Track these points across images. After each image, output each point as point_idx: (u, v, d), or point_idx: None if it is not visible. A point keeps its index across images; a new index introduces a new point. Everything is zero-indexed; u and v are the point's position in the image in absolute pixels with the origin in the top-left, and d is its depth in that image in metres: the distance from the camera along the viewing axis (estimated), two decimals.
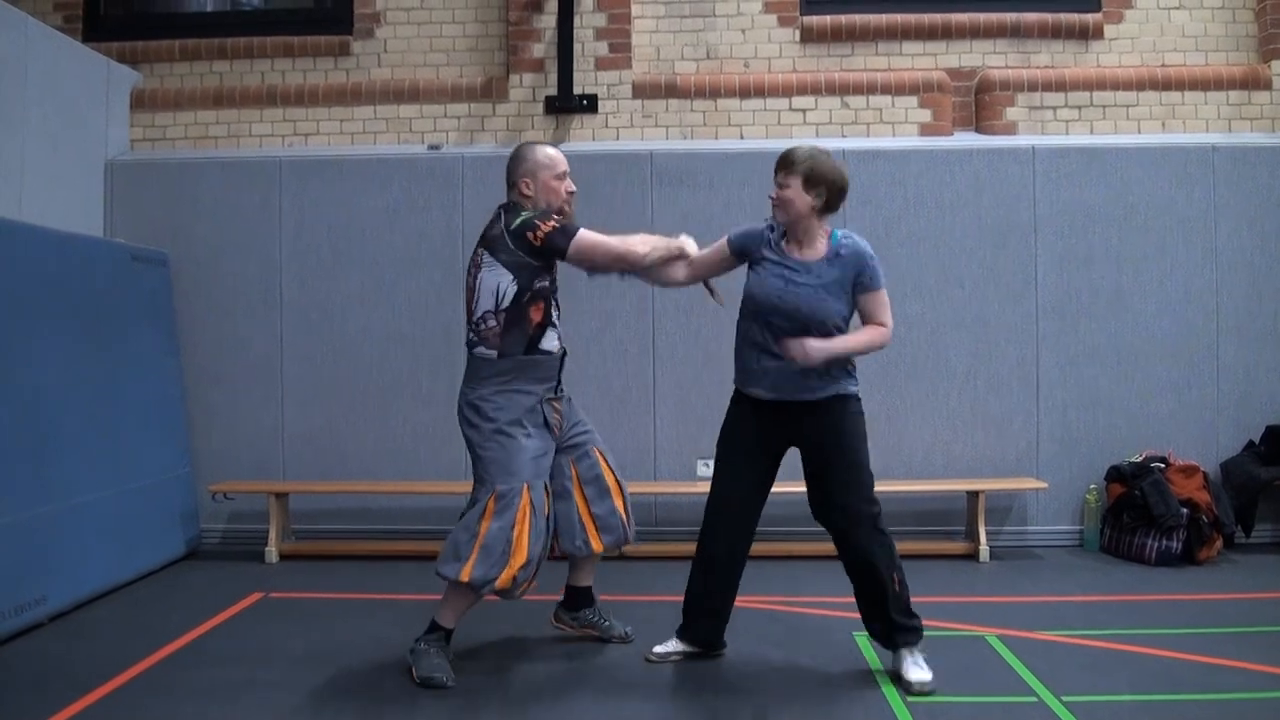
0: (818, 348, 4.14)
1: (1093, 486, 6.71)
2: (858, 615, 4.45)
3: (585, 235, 4.30)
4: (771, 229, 4.41)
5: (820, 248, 4.30)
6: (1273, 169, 6.86)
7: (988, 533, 6.53)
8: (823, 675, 4.38)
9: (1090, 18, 7.21)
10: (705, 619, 4.57)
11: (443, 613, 4.41)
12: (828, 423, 4.31)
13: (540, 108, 7.19)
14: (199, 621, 5.21)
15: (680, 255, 4.50)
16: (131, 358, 6.35)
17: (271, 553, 6.58)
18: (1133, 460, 6.59)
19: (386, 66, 7.38)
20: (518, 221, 4.31)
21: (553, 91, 7.13)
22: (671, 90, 7.18)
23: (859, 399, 4.38)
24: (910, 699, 4.05)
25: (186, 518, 6.72)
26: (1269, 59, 7.07)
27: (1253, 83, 7.08)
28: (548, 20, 7.13)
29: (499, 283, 4.30)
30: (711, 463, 6.78)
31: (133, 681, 4.34)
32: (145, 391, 6.46)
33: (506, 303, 4.30)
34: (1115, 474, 6.62)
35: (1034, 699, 4.04)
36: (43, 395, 5.45)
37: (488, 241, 4.39)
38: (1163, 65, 7.19)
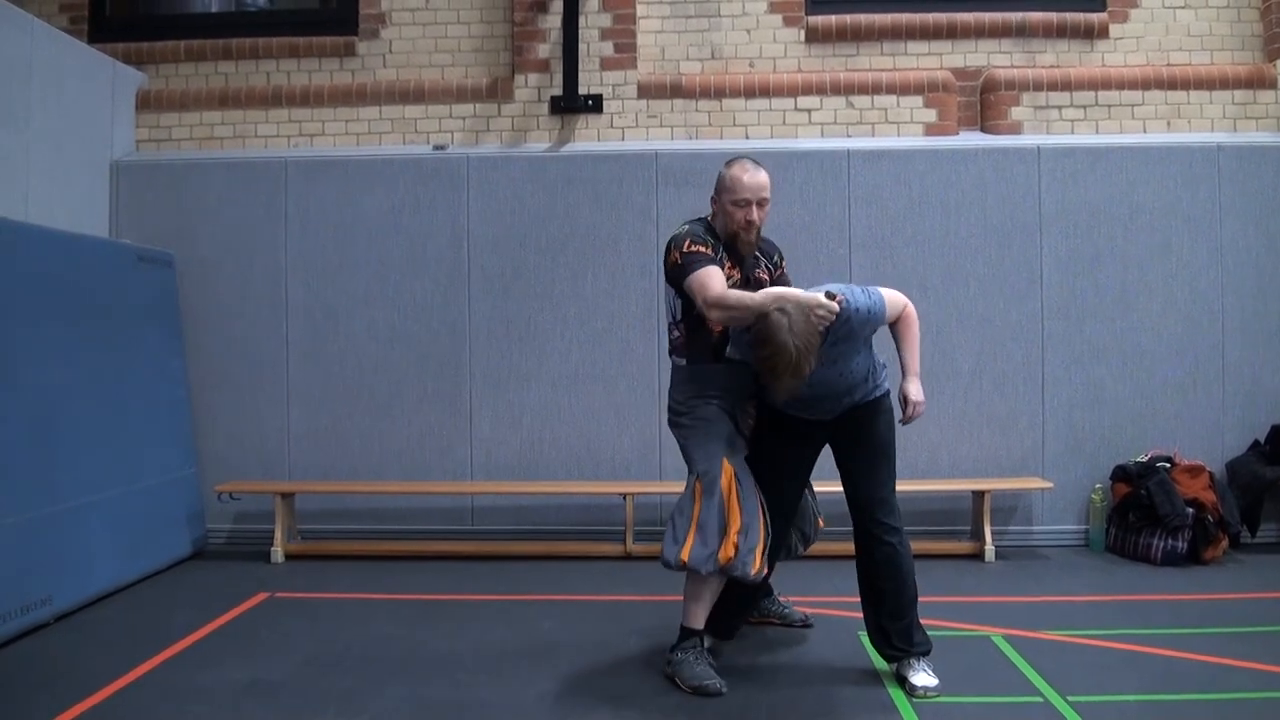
0: (918, 395, 4.30)
1: (1098, 486, 6.71)
2: (858, 614, 4.45)
3: (694, 277, 4.15)
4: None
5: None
6: (1278, 168, 6.85)
7: (993, 532, 6.52)
8: (829, 675, 4.38)
9: (1095, 17, 7.20)
10: (719, 609, 4.52)
11: (688, 614, 4.37)
12: (865, 424, 4.33)
13: (545, 108, 7.20)
14: (205, 622, 5.22)
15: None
16: (137, 358, 6.36)
17: (277, 553, 6.59)
18: (1138, 460, 6.58)
19: (391, 67, 7.39)
20: (673, 235, 4.34)
21: (558, 92, 7.13)
22: (677, 90, 7.18)
23: (889, 397, 4.40)
24: (915, 700, 4.05)
25: (192, 518, 6.73)
26: (1274, 58, 7.06)
27: (1258, 82, 7.07)
28: (553, 20, 7.13)
29: (669, 295, 4.39)
30: None
31: (138, 682, 4.34)
32: (151, 392, 6.47)
33: (679, 314, 4.35)
34: (1121, 474, 6.61)
35: (1040, 699, 4.03)
36: (48, 396, 5.46)
37: (667, 248, 4.37)
38: (1168, 64, 7.17)
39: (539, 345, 6.98)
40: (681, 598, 4.39)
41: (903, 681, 4.21)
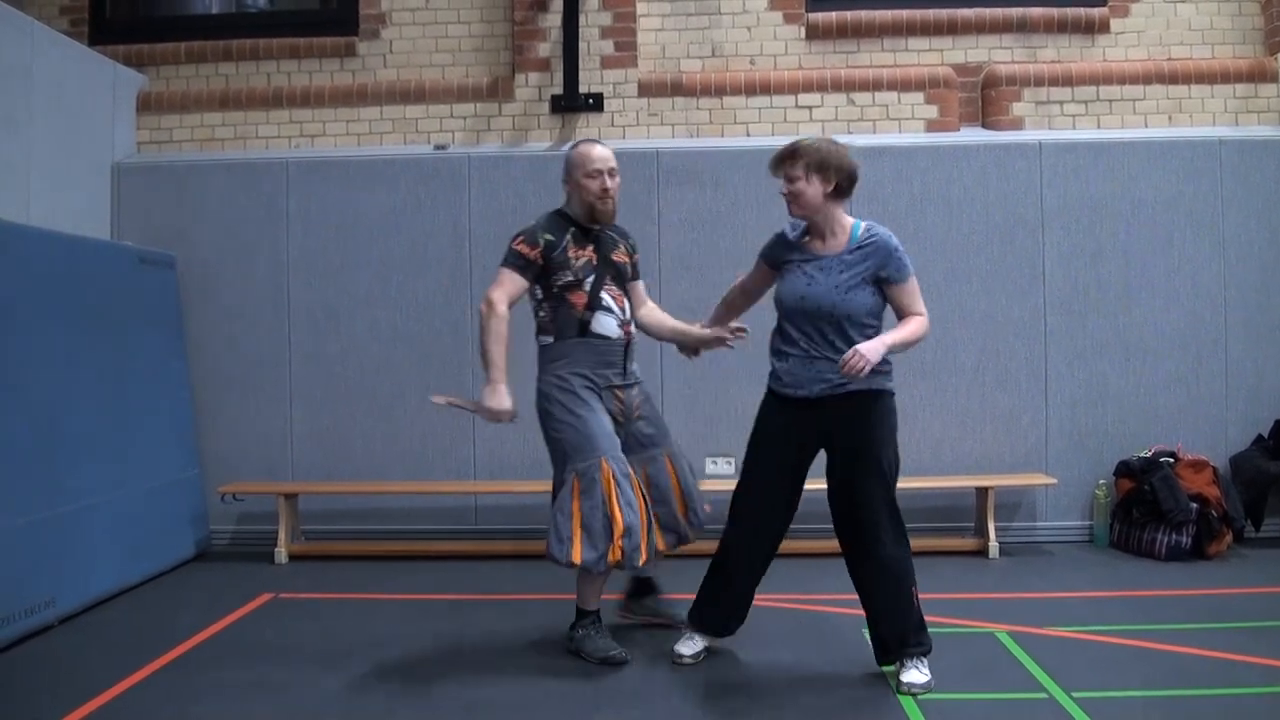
0: (867, 349, 4.00)
1: (1102, 482, 6.70)
2: (854, 610, 4.43)
3: (500, 273, 4.57)
4: (793, 228, 4.39)
5: (842, 240, 4.25)
6: None
7: (997, 529, 6.52)
8: (833, 673, 4.37)
9: (1096, 12, 7.19)
10: (710, 607, 4.57)
11: (583, 598, 4.62)
12: (857, 420, 4.22)
13: (546, 107, 7.19)
14: (209, 623, 5.22)
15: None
16: (139, 360, 6.36)
17: (281, 553, 6.60)
18: (1142, 455, 6.58)
19: (392, 67, 7.38)
20: (525, 225, 4.65)
21: (558, 91, 7.13)
22: (677, 88, 7.18)
23: (892, 394, 4.29)
24: (902, 695, 4.04)
25: (196, 519, 6.73)
26: (1275, 52, 7.05)
27: (1259, 76, 7.06)
28: (553, 20, 7.13)
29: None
30: (720, 460, 6.87)
31: (142, 683, 4.35)
32: (153, 393, 6.47)
33: (540, 294, 4.62)
34: (1124, 469, 6.61)
35: (1044, 695, 4.03)
36: (51, 398, 5.46)
37: None
38: (1169, 59, 7.17)
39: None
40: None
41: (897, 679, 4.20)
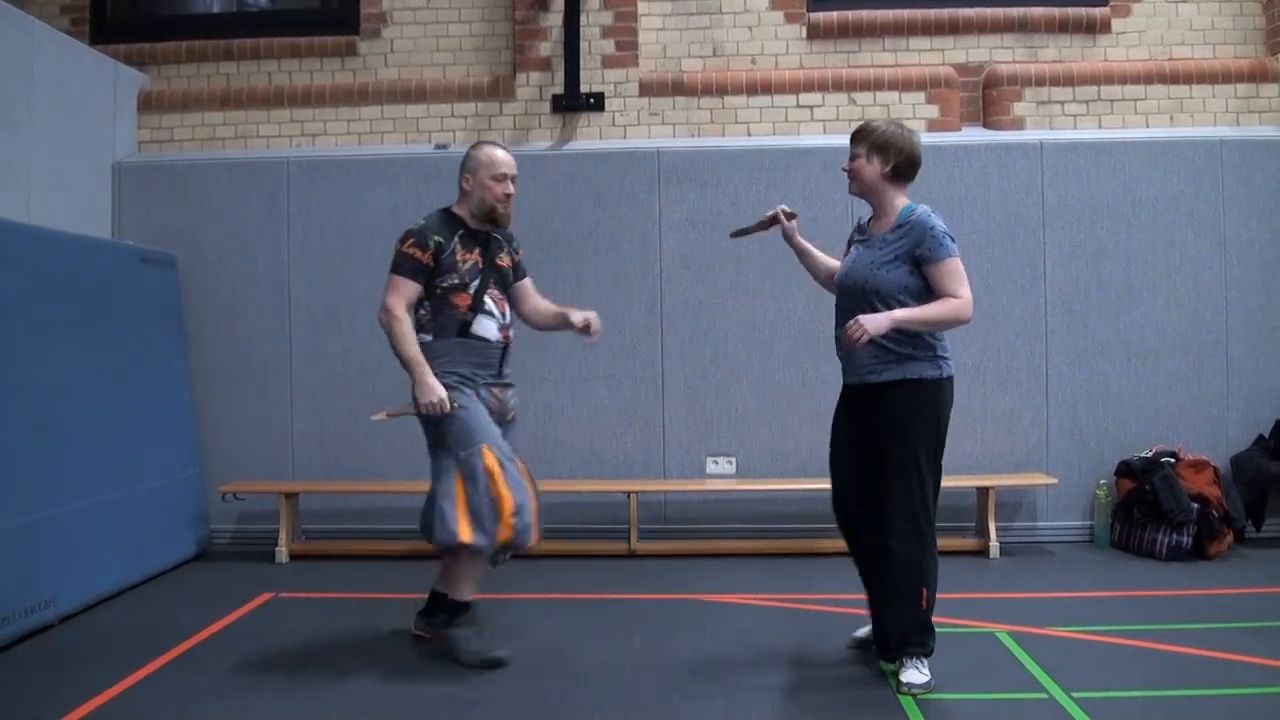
0: (869, 319, 4.00)
1: (1103, 482, 6.70)
2: (868, 613, 4.42)
3: (392, 279, 4.54)
4: (867, 215, 4.48)
5: (891, 220, 4.28)
6: None
7: (998, 528, 6.51)
8: (833, 673, 4.37)
9: (1098, 12, 7.18)
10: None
11: (457, 589, 4.63)
12: (887, 411, 4.19)
13: (547, 107, 7.19)
14: (209, 622, 5.22)
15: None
16: (140, 359, 6.36)
17: (281, 553, 6.60)
18: (1143, 455, 6.58)
19: (393, 66, 7.38)
20: (408, 227, 4.63)
21: (559, 90, 7.13)
22: (678, 88, 7.17)
23: (939, 382, 4.18)
24: (919, 697, 4.04)
25: (196, 518, 6.74)
26: (1276, 52, 7.04)
27: (1260, 76, 7.06)
28: (554, 19, 7.13)
29: None
30: (720, 460, 6.88)
31: (143, 682, 4.35)
32: (154, 393, 6.47)
33: (423, 293, 4.58)
34: (1125, 469, 6.61)
35: (1044, 695, 4.03)
36: (52, 397, 5.46)
37: None
38: (1170, 59, 7.16)
39: (542, 344, 6.94)
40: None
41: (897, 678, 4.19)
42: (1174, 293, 6.82)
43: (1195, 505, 6.23)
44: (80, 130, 6.72)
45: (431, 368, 4.51)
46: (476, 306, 4.60)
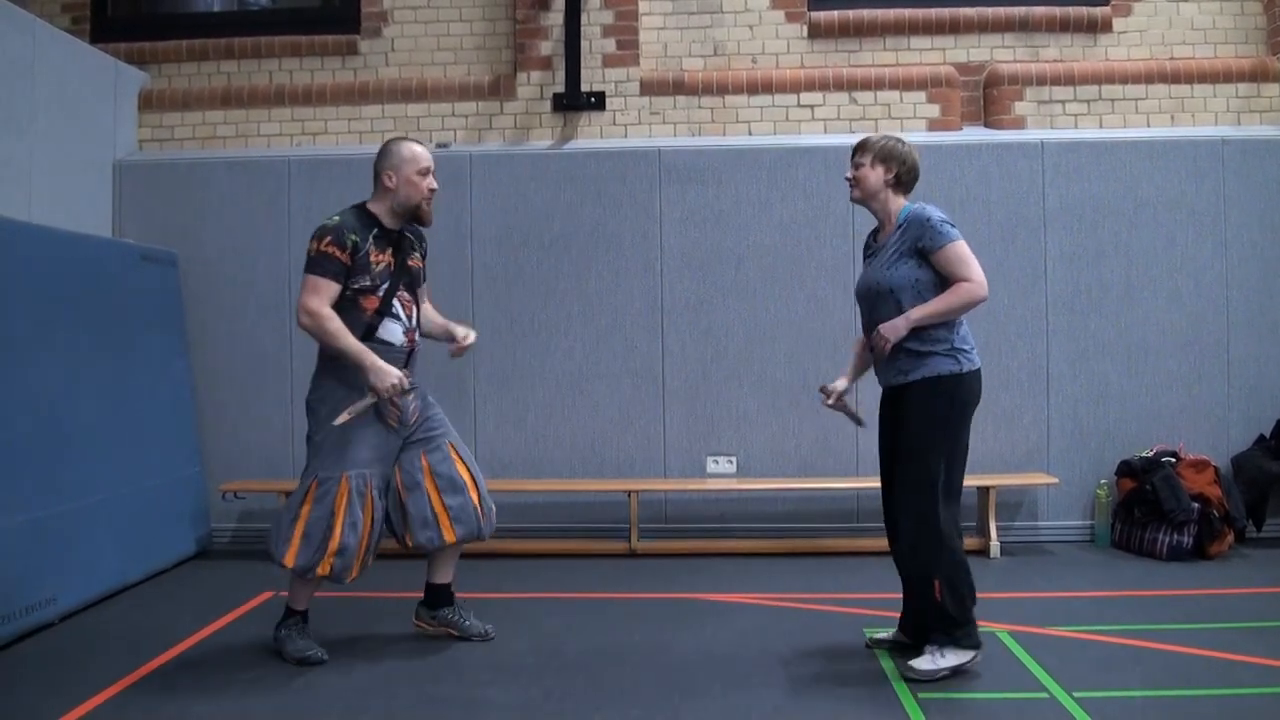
0: (887, 326, 4.20)
1: (1103, 481, 6.69)
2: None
3: (310, 280, 4.40)
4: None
5: (893, 225, 4.39)
6: None
7: (998, 528, 6.52)
8: (834, 672, 4.37)
9: (1099, 11, 7.18)
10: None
11: (293, 597, 4.65)
12: (906, 409, 4.30)
13: (548, 105, 7.19)
14: (209, 621, 5.22)
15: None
16: (141, 358, 6.36)
17: None
18: (1143, 455, 6.57)
19: (394, 65, 7.38)
20: (322, 223, 4.46)
21: (560, 89, 7.13)
22: (679, 87, 7.17)
23: (959, 377, 4.26)
24: (920, 694, 4.04)
25: (197, 517, 6.74)
26: (1277, 51, 7.04)
27: (1261, 75, 7.06)
28: (555, 18, 7.13)
29: None
30: (720, 459, 6.88)
31: (143, 681, 4.35)
32: (155, 391, 6.47)
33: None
34: (1126, 469, 6.60)
35: (1045, 695, 4.03)
36: (52, 395, 5.46)
37: None
38: (1171, 58, 7.16)
39: (542, 343, 6.98)
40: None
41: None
42: (1175, 292, 6.82)
43: (1196, 505, 6.23)
44: (81, 129, 6.72)
45: (335, 371, 4.44)
46: (384, 310, 4.50)
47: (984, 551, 6.43)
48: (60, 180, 6.43)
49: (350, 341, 4.35)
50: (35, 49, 6.15)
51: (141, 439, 6.22)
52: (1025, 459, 6.80)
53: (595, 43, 7.16)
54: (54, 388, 5.47)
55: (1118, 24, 7.20)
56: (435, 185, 4.59)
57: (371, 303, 4.47)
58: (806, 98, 7.16)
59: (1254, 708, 3.91)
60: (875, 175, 4.37)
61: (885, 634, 4.61)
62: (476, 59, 7.37)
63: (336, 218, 4.48)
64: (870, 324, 4.37)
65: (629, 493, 6.59)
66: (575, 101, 7.08)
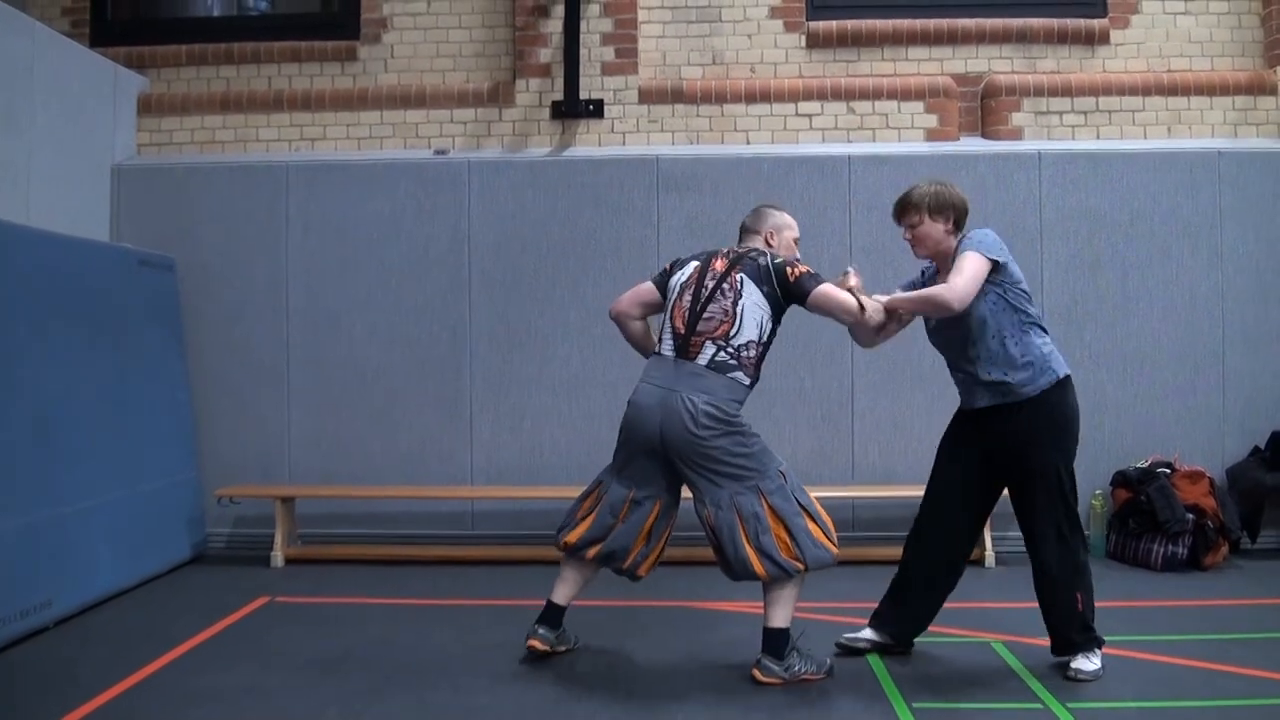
0: (869, 301, 4.37)
1: (1098, 492, 6.70)
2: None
3: (826, 285, 4.43)
4: (924, 271, 4.67)
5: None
6: (1279, 174, 6.85)
7: (993, 538, 6.51)
8: (830, 682, 4.36)
9: (1096, 23, 7.21)
10: (892, 608, 4.62)
11: (781, 614, 4.44)
12: (1016, 429, 4.38)
13: (546, 113, 7.21)
14: (205, 626, 5.21)
15: (889, 322, 4.57)
16: (138, 362, 6.36)
17: (277, 557, 6.59)
18: (1139, 465, 6.59)
19: (393, 72, 7.40)
20: (778, 259, 4.51)
21: (559, 97, 7.14)
22: (678, 95, 7.19)
23: (1063, 384, 4.47)
24: (915, 704, 4.04)
25: (193, 522, 6.73)
26: (1274, 64, 7.07)
27: (1258, 88, 7.08)
28: (554, 25, 7.14)
29: (761, 316, 4.42)
30: None
31: (138, 686, 4.34)
32: (152, 396, 6.47)
33: (765, 337, 4.46)
34: (1121, 479, 6.61)
35: (1039, 706, 4.03)
36: (49, 399, 5.45)
37: (749, 269, 4.47)
38: (1168, 70, 7.19)
39: (540, 350, 6.99)
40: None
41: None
42: (1170, 304, 6.84)
43: (1191, 516, 6.24)
44: (80, 133, 6.73)
45: (736, 409, 4.42)
46: None
47: (979, 561, 6.42)
48: (59, 184, 6.44)
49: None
50: (34, 52, 6.16)
51: (138, 443, 6.21)
52: None
53: (594, 50, 7.18)
54: (51, 391, 5.47)
55: (1115, 36, 7.22)
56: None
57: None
58: (804, 107, 7.17)
59: (1247, 719, 3.92)
60: (936, 229, 4.40)
61: (864, 637, 4.64)
62: (475, 66, 7.38)
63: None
64: (956, 355, 4.50)
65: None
66: (574, 109, 7.09)
